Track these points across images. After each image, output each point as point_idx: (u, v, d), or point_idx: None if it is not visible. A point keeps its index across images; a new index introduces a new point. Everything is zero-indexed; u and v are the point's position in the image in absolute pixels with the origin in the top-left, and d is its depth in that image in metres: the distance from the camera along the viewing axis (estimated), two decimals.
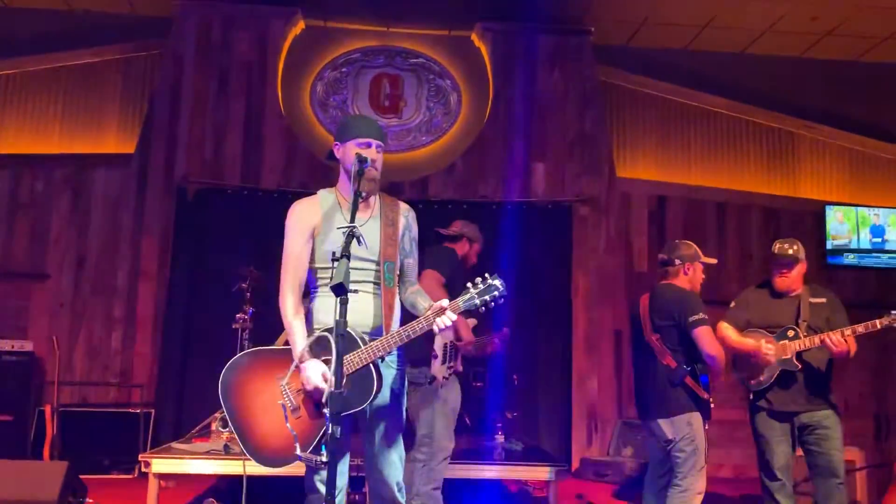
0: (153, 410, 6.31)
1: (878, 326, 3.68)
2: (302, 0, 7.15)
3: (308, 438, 2.66)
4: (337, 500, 2.72)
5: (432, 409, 4.07)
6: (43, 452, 5.58)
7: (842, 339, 3.68)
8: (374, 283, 2.81)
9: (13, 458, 5.09)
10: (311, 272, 2.85)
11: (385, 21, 7.34)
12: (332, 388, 2.33)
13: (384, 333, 2.70)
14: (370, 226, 2.83)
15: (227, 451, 4.44)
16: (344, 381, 2.38)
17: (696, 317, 3.66)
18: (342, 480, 2.78)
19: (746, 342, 3.87)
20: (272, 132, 7.03)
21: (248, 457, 2.77)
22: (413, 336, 2.67)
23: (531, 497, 5.59)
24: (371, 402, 2.67)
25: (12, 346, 6.18)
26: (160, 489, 4.39)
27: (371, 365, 2.65)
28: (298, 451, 2.55)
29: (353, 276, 2.68)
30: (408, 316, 2.82)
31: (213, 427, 4.88)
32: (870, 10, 6.88)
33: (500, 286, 2.68)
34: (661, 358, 3.77)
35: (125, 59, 7.27)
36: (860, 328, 3.68)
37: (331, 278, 2.42)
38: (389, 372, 2.82)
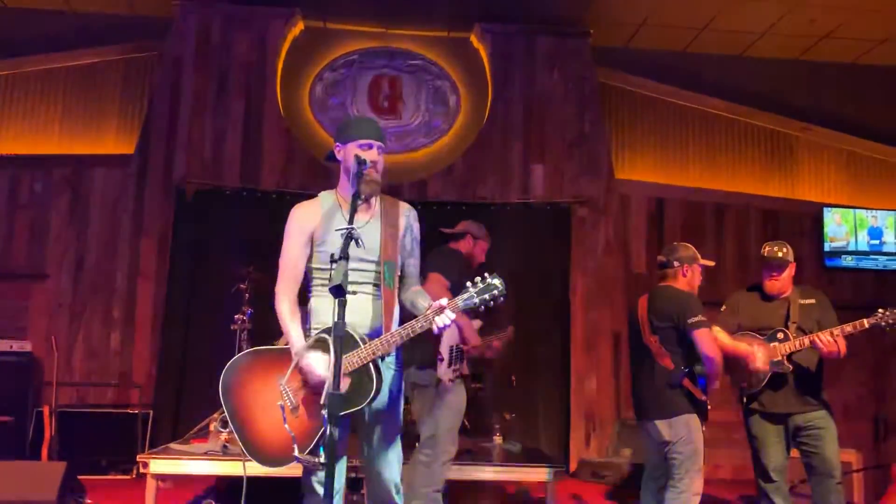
0: (151, 411, 6.30)
1: (866, 325, 3.70)
2: (301, 1, 7.16)
3: (306, 439, 2.66)
4: (335, 501, 2.73)
5: (437, 411, 4.07)
6: (41, 453, 5.57)
7: (831, 340, 3.69)
8: (374, 285, 2.81)
9: (11, 458, 5.10)
10: (311, 273, 2.86)
11: (384, 22, 7.35)
12: (331, 387, 2.34)
13: (383, 334, 2.70)
14: (371, 227, 2.84)
15: (225, 452, 4.44)
16: (343, 380, 2.39)
17: (695, 319, 3.67)
18: (340, 482, 2.79)
19: (738, 346, 3.88)
20: (271, 133, 7.04)
21: (248, 457, 2.77)
22: (412, 335, 2.67)
23: (530, 498, 5.60)
24: (370, 402, 2.67)
25: (11, 347, 6.19)
26: (158, 490, 4.40)
27: (371, 364, 2.65)
28: (296, 453, 2.56)
29: (353, 277, 2.69)
30: (408, 317, 2.82)
31: (212, 428, 4.87)
32: (867, 13, 6.89)
33: (499, 285, 2.68)
34: (659, 359, 3.78)
35: (125, 60, 7.27)
36: (848, 328, 3.70)
37: (329, 279, 2.42)
38: (388, 373, 2.82)
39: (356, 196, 2.67)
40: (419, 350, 4.00)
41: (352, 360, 2.63)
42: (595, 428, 6.87)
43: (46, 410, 5.68)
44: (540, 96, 7.28)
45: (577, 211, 7.12)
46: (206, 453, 4.48)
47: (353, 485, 4.06)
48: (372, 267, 2.81)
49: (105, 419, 6.19)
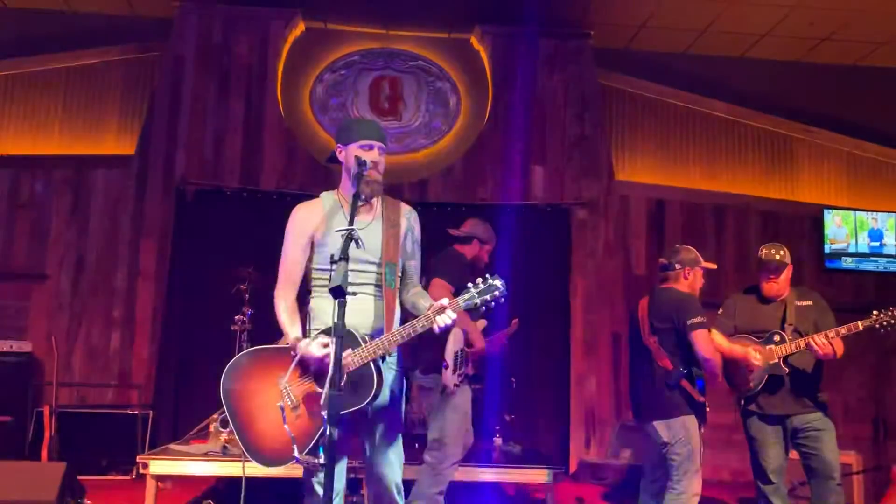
0: (151, 411, 6.30)
1: (861, 328, 3.71)
2: (302, 2, 7.16)
3: (306, 439, 2.66)
4: (335, 502, 2.73)
5: (443, 413, 4.09)
6: (41, 453, 5.57)
7: (826, 342, 3.70)
8: (375, 286, 2.81)
9: (11, 458, 5.10)
10: (312, 274, 2.86)
11: (385, 23, 7.36)
12: (329, 389, 2.34)
13: (384, 335, 2.70)
14: (372, 228, 2.84)
15: (225, 453, 4.45)
16: (344, 380, 2.39)
17: (694, 320, 3.68)
18: (340, 483, 2.79)
19: (735, 349, 3.89)
20: (272, 134, 7.04)
21: (249, 457, 2.77)
22: (413, 334, 2.68)
23: (530, 499, 5.60)
24: (371, 402, 2.67)
25: (11, 347, 6.19)
26: (158, 490, 4.40)
27: (371, 364, 2.65)
28: (296, 453, 2.56)
29: (354, 277, 2.70)
30: (410, 318, 2.82)
31: (212, 428, 4.87)
32: (868, 15, 6.90)
33: (500, 286, 2.69)
34: (658, 360, 3.79)
35: (125, 61, 7.28)
36: (843, 330, 3.71)
37: (330, 280, 2.42)
38: (389, 373, 2.82)
39: (356, 197, 2.67)
40: (424, 355, 4.01)
41: (352, 359, 2.63)
42: (595, 429, 6.87)
43: (46, 411, 5.67)
44: (540, 98, 7.29)
45: (577, 212, 7.12)
46: (205, 454, 4.49)
47: (352, 485, 4.06)
48: (373, 268, 2.81)
49: (105, 419, 6.19)
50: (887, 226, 7.47)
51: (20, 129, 7.12)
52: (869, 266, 7.41)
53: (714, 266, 4.03)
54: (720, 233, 7.34)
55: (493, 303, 2.69)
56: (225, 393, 2.80)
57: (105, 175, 6.88)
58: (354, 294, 2.71)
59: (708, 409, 3.79)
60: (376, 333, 2.74)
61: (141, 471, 4.48)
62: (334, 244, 2.71)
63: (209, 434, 4.88)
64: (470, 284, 2.71)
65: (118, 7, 7.26)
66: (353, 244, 2.52)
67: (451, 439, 4.08)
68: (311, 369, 2.69)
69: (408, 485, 3.05)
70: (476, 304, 2.68)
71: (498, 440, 5.56)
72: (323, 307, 2.79)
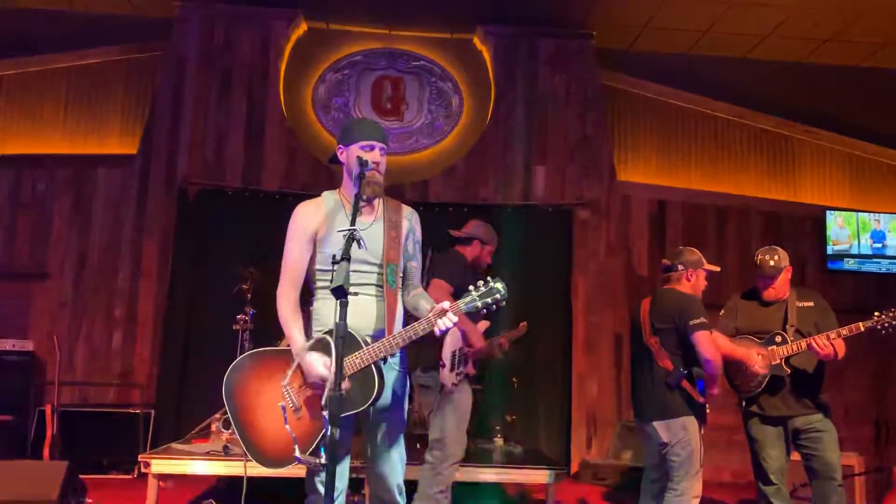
0: (153, 411, 6.31)
1: (862, 329, 3.72)
2: (304, 2, 7.17)
3: (308, 439, 2.67)
4: (336, 502, 2.73)
5: (444, 412, 4.10)
6: (43, 452, 5.59)
7: (827, 343, 3.70)
8: (377, 286, 2.81)
9: (13, 457, 5.11)
10: (313, 274, 2.86)
11: (387, 23, 7.36)
12: (332, 388, 2.34)
13: (386, 336, 2.71)
14: (373, 229, 2.84)
15: (226, 453, 4.45)
16: (345, 382, 2.39)
17: (696, 321, 3.67)
18: (342, 482, 2.79)
19: (736, 350, 3.88)
20: (274, 134, 7.05)
21: (250, 457, 2.78)
22: (415, 337, 2.68)
23: (530, 499, 5.60)
24: (373, 403, 2.67)
25: (13, 346, 6.20)
26: (159, 490, 4.40)
27: (372, 366, 2.65)
28: (297, 454, 2.56)
29: (356, 278, 2.70)
30: (412, 319, 2.83)
31: (213, 428, 4.88)
32: (871, 16, 6.89)
33: (501, 289, 2.69)
34: (658, 360, 3.79)
35: (128, 60, 7.29)
36: (844, 331, 3.71)
37: (331, 281, 2.43)
38: (392, 374, 2.82)
39: (358, 197, 2.67)
40: (423, 353, 4.02)
41: (354, 361, 2.63)
42: (596, 430, 6.87)
43: (48, 410, 5.69)
44: (542, 98, 7.29)
45: (578, 213, 7.12)
46: (207, 453, 4.49)
47: (353, 485, 4.07)
48: (374, 269, 2.81)
49: (107, 419, 6.20)
50: (889, 227, 7.46)
51: (22, 129, 7.13)
52: (871, 267, 7.40)
53: (717, 269, 4.03)
54: (722, 234, 7.33)
55: (494, 306, 2.69)
56: (227, 393, 2.80)
57: (107, 174, 6.89)
58: (356, 295, 2.71)
59: (708, 411, 3.79)
60: (378, 334, 2.74)
61: (142, 470, 4.50)
62: (335, 244, 2.71)
63: (211, 433, 4.89)
64: (471, 287, 2.71)
65: (120, 6, 7.26)
66: (354, 245, 2.52)
67: (451, 439, 4.09)
68: (308, 381, 2.70)
69: (409, 485, 3.05)
70: (477, 306, 2.68)
71: (499, 440, 5.56)
72: (325, 308, 2.79)
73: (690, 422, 3.71)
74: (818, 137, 7.72)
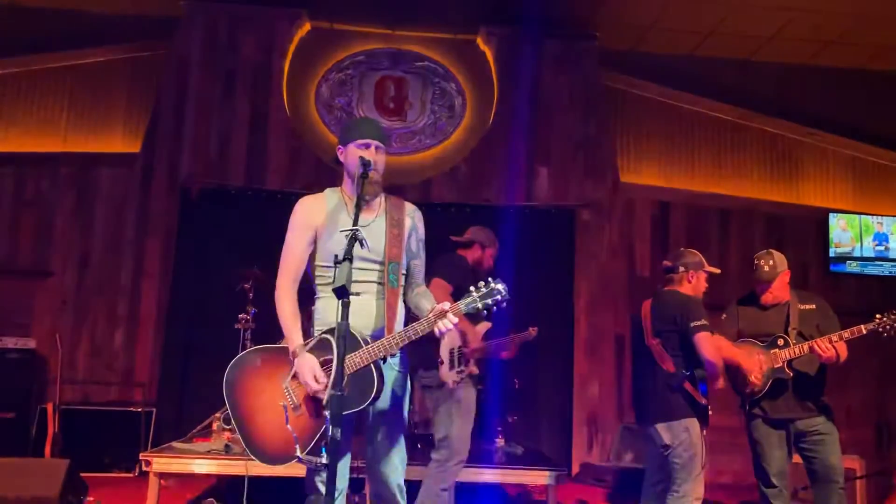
0: (154, 409, 6.32)
1: (864, 331, 3.71)
2: (308, 2, 7.17)
3: (308, 438, 2.67)
4: (336, 502, 2.73)
5: (448, 412, 4.11)
6: (44, 450, 5.60)
7: (829, 346, 3.69)
8: (378, 284, 2.81)
9: (15, 455, 5.12)
10: (314, 271, 2.86)
11: (390, 24, 7.36)
12: (331, 389, 2.34)
13: (386, 335, 2.71)
14: (375, 227, 2.84)
15: (227, 451, 4.45)
16: (345, 381, 2.39)
17: (697, 322, 3.67)
18: (342, 482, 2.79)
19: (738, 354, 3.87)
20: (277, 133, 7.05)
21: (250, 454, 2.78)
22: (415, 337, 2.67)
23: (531, 501, 5.59)
24: (372, 402, 2.67)
25: (15, 344, 6.21)
26: (161, 488, 4.41)
27: (372, 365, 2.65)
28: (298, 453, 2.56)
29: (357, 277, 2.70)
30: (414, 318, 2.83)
31: (215, 427, 4.88)
32: (874, 18, 6.88)
33: (502, 290, 2.69)
34: (660, 362, 3.78)
35: (131, 59, 7.29)
36: (846, 333, 3.71)
37: (333, 280, 2.42)
38: (392, 374, 2.82)
39: (360, 198, 2.67)
40: (423, 352, 4.02)
41: (353, 360, 2.63)
42: (597, 431, 6.86)
43: (50, 408, 5.71)
44: (545, 99, 7.28)
45: (581, 214, 7.11)
46: (208, 452, 4.49)
47: (353, 485, 4.07)
48: (376, 267, 2.81)
49: (108, 417, 6.21)
50: (892, 230, 7.45)
51: (26, 127, 7.13)
52: (874, 270, 7.40)
53: (718, 271, 4.03)
54: (724, 236, 7.33)
55: (495, 306, 2.69)
56: (228, 391, 2.80)
57: (110, 173, 6.90)
58: (358, 294, 2.71)
59: (711, 413, 3.78)
60: (377, 333, 2.74)
61: (144, 468, 4.50)
62: (337, 243, 2.70)
63: (212, 432, 4.89)
64: (472, 288, 2.71)
65: (124, 6, 7.27)
66: (356, 244, 2.52)
67: (457, 438, 4.10)
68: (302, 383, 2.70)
69: (410, 485, 3.05)
70: (478, 307, 2.69)
71: (500, 441, 5.56)
72: (326, 307, 2.79)
73: (692, 423, 3.70)
74: (821, 139, 7.71)
